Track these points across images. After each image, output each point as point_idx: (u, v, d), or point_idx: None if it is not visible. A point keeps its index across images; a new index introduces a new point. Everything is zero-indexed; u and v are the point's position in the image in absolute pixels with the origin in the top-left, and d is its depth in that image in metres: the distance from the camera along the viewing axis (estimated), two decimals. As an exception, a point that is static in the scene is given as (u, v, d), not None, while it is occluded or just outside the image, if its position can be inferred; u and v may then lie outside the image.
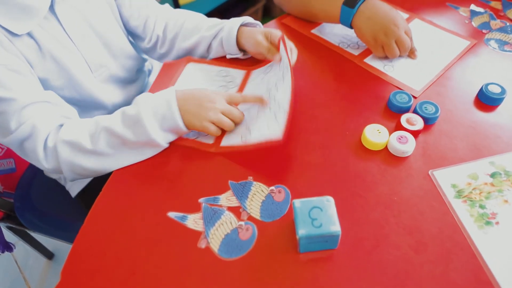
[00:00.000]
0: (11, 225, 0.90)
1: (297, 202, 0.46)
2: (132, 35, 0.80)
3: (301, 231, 0.43)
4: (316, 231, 0.43)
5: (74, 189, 0.80)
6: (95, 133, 0.57)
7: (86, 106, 0.72)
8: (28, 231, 1.00)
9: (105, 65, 0.72)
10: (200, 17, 0.77)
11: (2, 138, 0.59)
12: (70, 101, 0.66)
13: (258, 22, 0.74)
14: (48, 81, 0.64)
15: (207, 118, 0.57)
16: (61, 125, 0.59)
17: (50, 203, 0.87)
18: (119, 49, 0.74)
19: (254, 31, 0.69)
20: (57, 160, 0.58)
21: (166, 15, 0.77)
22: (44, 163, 0.59)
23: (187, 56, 0.76)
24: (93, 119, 0.59)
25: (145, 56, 0.85)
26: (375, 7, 0.68)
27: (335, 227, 0.43)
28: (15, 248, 0.94)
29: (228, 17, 0.73)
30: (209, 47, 0.74)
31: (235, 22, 0.71)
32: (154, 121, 0.56)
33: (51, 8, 0.61)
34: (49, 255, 1.24)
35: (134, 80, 0.82)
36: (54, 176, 0.82)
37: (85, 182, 0.78)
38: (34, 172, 0.92)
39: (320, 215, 0.44)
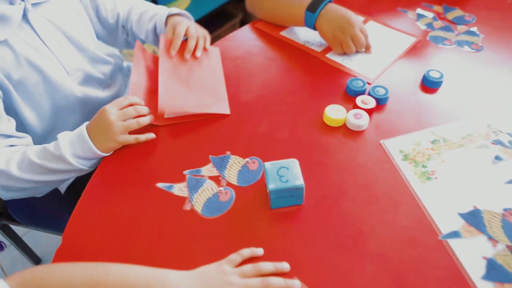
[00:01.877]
0: (4, 222, 0.94)
1: (268, 164, 0.53)
2: (110, 32, 0.89)
3: (271, 186, 0.51)
4: (284, 185, 0.51)
5: (62, 185, 0.85)
6: (23, 163, 0.60)
7: (68, 109, 0.75)
8: (19, 232, 1.04)
9: (81, 69, 0.75)
10: (144, 7, 0.88)
11: None
12: (52, 107, 0.71)
13: (185, 12, 0.85)
14: (27, 86, 0.67)
15: (116, 137, 0.62)
16: None
17: (41, 199, 0.92)
18: (92, 53, 0.78)
19: (173, 23, 0.80)
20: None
21: (127, 7, 0.89)
22: None
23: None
24: (23, 150, 0.62)
25: (121, 55, 0.94)
26: (333, 10, 0.78)
27: (299, 181, 0.51)
28: (5, 247, 0.97)
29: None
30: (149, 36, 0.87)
31: (163, 14, 0.82)
32: (70, 149, 0.60)
33: (24, 16, 0.64)
34: (36, 260, 1.27)
35: (111, 82, 0.86)
36: None
37: (71, 179, 0.83)
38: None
39: (287, 173, 0.52)
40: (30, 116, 0.69)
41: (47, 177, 0.61)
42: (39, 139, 0.73)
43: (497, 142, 0.62)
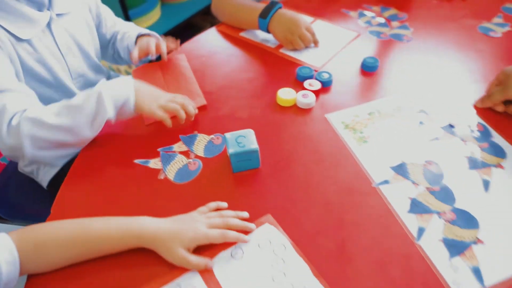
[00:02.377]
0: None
1: (228, 134, 0.63)
2: (104, 46, 0.98)
3: (231, 150, 0.61)
4: (241, 149, 0.61)
5: (45, 179, 0.91)
6: (57, 109, 0.66)
7: None
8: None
9: (83, 75, 0.86)
10: (127, 27, 0.98)
11: None
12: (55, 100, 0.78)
13: (154, 33, 0.94)
14: (35, 83, 0.76)
15: (157, 104, 0.69)
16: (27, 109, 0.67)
17: (26, 196, 0.98)
18: (94, 62, 0.89)
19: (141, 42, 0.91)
20: (19, 136, 0.64)
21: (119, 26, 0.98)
22: (6, 140, 0.66)
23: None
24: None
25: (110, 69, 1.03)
26: (282, 15, 0.90)
27: (254, 145, 0.61)
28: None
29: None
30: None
31: (133, 35, 0.92)
32: (109, 91, 0.66)
33: (48, 25, 0.76)
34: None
35: None
36: (27, 169, 0.92)
37: (53, 172, 0.89)
38: (9, 175, 1.03)
39: (244, 140, 0.62)
40: None
41: (77, 119, 0.65)
42: None
43: (421, 111, 0.74)
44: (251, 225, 0.55)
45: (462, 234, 0.56)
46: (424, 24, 0.99)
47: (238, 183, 0.63)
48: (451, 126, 0.71)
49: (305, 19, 0.91)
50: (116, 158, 0.68)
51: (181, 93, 0.77)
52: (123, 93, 0.67)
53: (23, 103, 0.67)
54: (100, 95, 0.65)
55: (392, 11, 1.04)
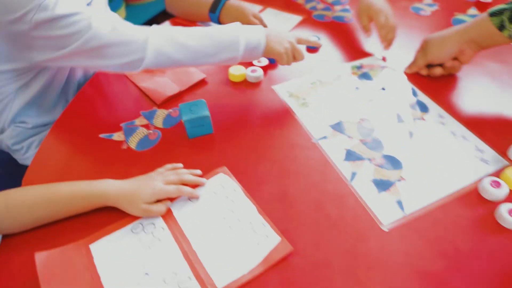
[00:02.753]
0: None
1: (182, 104, 0.70)
2: None
3: (185, 117, 0.68)
4: (194, 116, 0.68)
5: (29, 160, 0.94)
6: (191, 32, 0.71)
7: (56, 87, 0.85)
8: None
9: None
10: None
11: (63, 48, 0.66)
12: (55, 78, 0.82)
13: None
14: None
15: (285, 45, 0.75)
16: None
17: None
18: None
19: None
20: (144, 50, 0.67)
21: None
22: (126, 56, 0.68)
23: None
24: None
25: None
26: (230, 7, 0.95)
27: (206, 112, 0.68)
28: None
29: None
30: None
31: None
32: (245, 33, 0.72)
33: None
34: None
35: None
36: (16, 147, 0.88)
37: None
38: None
39: (196, 108, 0.69)
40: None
41: (206, 46, 0.70)
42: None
43: (360, 77, 0.83)
44: (203, 180, 0.63)
45: (389, 174, 0.64)
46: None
47: (194, 147, 0.70)
48: (383, 88, 0.81)
49: (252, 7, 0.99)
50: (84, 133, 0.74)
51: (178, 73, 0.85)
52: (256, 37, 0.72)
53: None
54: (237, 34, 0.71)
55: (334, -4, 1.15)
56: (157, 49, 0.69)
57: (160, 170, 0.64)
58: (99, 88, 0.85)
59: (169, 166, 0.65)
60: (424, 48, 0.82)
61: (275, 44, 0.74)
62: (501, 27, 0.70)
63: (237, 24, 0.73)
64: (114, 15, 0.72)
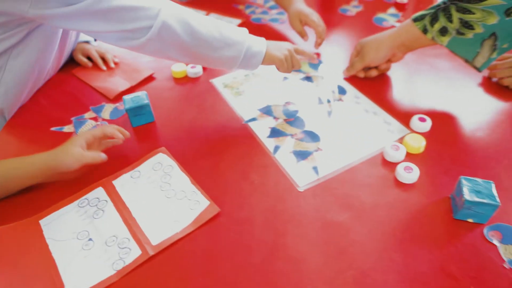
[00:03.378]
0: None
1: (125, 96, 0.78)
2: None
3: (127, 106, 0.75)
4: (135, 104, 0.76)
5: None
6: (206, 21, 0.70)
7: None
8: None
9: None
10: None
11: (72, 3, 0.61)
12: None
13: (91, 39, 1.00)
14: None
15: (284, 52, 0.78)
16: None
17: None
18: None
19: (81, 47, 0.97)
20: (154, 19, 0.65)
21: None
22: (133, 23, 0.64)
23: None
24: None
25: None
26: None
27: (146, 101, 0.76)
28: None
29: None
30: None
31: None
32: (250, 35, 0.74)
33: None
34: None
35: None
36: None
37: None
38: None
39: (138, 99, 0.77)
40: None
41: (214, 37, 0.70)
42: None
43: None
44: (125, 132, 0.70)
45: (307, 146, 0.74)
46: (298, 10, 1.21)
47: (137, 134, 0.78)
48: (308, 78, 0.91)
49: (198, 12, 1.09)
50: (36, 127, 0.80)
51: (126, 72, 0.91)
52: (258, 45, 0.75)
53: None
54: (244, 37, 0.72)
55: (271, 3, 1.25)
56: (166, 23, 0.66)
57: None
58: (53, 88, 0.91)
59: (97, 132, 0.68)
60: (360, 53, 0.88)
61: (275, 52, 0.77)
62: (425, 31, 0.77)
63: (245, 29, 0.75)
64: None
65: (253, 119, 0.80)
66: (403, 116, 0.80)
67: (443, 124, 0.78)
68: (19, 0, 0.63)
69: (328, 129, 0.77)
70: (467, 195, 0.58)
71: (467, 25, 0.73)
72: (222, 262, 0.56)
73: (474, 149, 0.73)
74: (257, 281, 0.54)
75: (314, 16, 0.98)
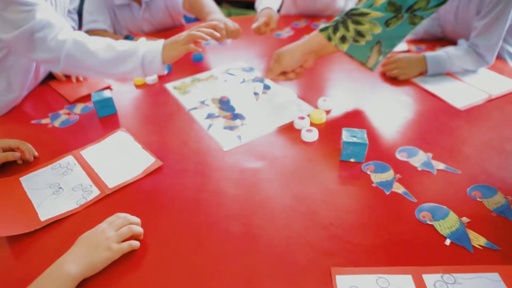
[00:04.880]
0: None
1: (93, 93, 0.98)
2: None
3: (94, 99, 0.95)
4: (100, 98, 0.95)
5: None
6: (101, 43, 0.85)
7: None
8: None
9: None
10: None
11: (11, 32, 0.80)
12: None
13: None
14: None
15: (181, 38, 0.87)
16: (72, 29, 0.84)
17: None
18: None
19: None
20: (60, 51, 0.81)
21: None
22: (47, 53, 0.82)
23: None
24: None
25: None
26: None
27: (109, 95, 0.96)
28: None
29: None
30: None
31: None
32: (144, 43, 0.88)
33: None
34: None
35: None
36: None
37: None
38: None
39: (103, 94, 0.97)
40: None
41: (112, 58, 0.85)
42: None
43: (227, 74, 1.16)
44: (35, 153, 0.84)
45: (235, 123, 0.94)
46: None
47: (103, 123, 0.97)
48: (243, 80, 1.13)
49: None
50: (19, 121, 0.99)
51: (90, 84, 1.11)
52: (153, 47, 0.86)
53: (67, 25, 0.85)
54: (136, 46, 0.85)
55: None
56: (69, 52, 0.82)
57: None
58: (33, 95, 1.10)
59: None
60: (277, 60, 0.98)
61: (173, 46, 0.87)
62: (329, 39, 0.90)
63: (141, 39, 0.92)
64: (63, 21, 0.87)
65: (194, 108, 1.00)
66: (312, 98, 1.02)
67: (344, 104, 1.00)
68: None
69: (253, 111, 0.98)
70: (345, 138, 0.79)
71: (360, 34, 0.88)
72: (162, 197, 0.74)
73: (364, 117, 0.95)
74: (188, 208, 0.71)
75: (227, 21, 1.16)
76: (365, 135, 0.80)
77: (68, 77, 1.16)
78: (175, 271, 0.59)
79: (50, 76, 1.18)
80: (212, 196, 0.73)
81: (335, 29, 0.91)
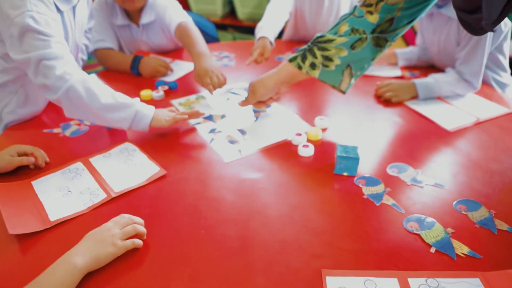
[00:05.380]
0: None
1: (102, 106, 1.04)
2: None
3: (103, 111, 1.00)
4: (110, 110, 1.01)
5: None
6: (103, 88, 0.91)
7: None
8: None
9: (80, 48, 1.21)
10: None
11: (23, 54, 0.86)
12: None
13: None
14: None
15: (168, 116, 0.96)
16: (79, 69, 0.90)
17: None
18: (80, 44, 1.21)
19: None
20: (64, 82, 0.86)
21: None
22: (49, 80, 0.86)
23: None
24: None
25: None
26: (144, 61, 1.35)
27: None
28: None
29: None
30: None
31: None
32: (140, 102, 0.95)
33: (74, 7, 1.04)
34: None
35: None
36: None
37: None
38: None
39: (112, 107, 1.03)
40: None
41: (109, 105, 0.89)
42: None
43: (230, 93, 1.22)
44: (46, 158, 0.89)
45: (235, 136, 0.99)
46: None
47: (111, 134, 1.01)
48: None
49: (161, 59, 1.40)
50: (32, 130, 1.04)
51: None
52: (146, 109, 0.94)
53: (77, 64, 0.92)
54: (133, 102, 0.93)
55: (226, 53, 1.59)
56: (73, 86, 0.87)
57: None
58: (47, 107, 1.16)
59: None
60: (252, 90, 1.02)
61: (161, 116, 0.96)
62: (299, 67, 0.94)
63: (137, 99, 0.96)
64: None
65: (198, 123, 1.05)
66: (309, 117, 1.08)
67: (340, 122, 1.06)
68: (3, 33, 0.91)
69: (253, 127, 1.04)
70: (339, 152, 0.83)
71: (328, 59, 0.91)
72: (165, 201, 0.78)
73: (358, 135, 1.00)
74: (189, 212, 0.75)
75: (213, 73, 1.15)
76: (357, 151, 0.84)
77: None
78: (175, 269, 0.63)
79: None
80: (212, 202, 0.77)
81: (303, 57, 0.94)
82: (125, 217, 0.69)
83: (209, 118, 1.09)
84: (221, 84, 1.16)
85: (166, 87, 1.25)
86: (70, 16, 1.05)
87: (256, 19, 1.54)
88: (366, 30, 0.89)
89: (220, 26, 3.03)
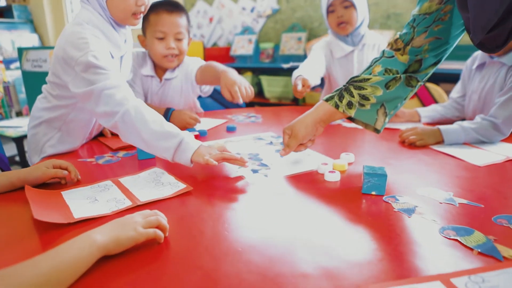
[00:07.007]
0: None
1: (136, 138, 1.09)
2: None
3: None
4: (143, 141, 1.05)
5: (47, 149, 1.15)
6: (157, 116, 0.93)
7: None
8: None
9: None
10: None
11: (85, 88, 0.94)
12: None
13: None
14: None
15: (208, 155, 0.90)
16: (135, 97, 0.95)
17: None
18: None
19: None
20: (121, 107, 0.91)
21: None
22: (109, 106, 0.92)
23: None
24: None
25: None
26: (175, 113, 1.45)
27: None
28: None
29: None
30: None
31: None
32: (187, 133, 0.94)
33: (121, 57, 1.15)
34: None
35: None
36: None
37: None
38: None
39: (145, 139, 1.07)
40: None
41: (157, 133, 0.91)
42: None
43: (258, 139, 1.25)
44: (78, 176, 0.91)
45: (259, 168, 0.99)
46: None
47: (141, 164, 1.04)
48: (271, 142, 1.22)
49: (192, 113, 1.48)
50: (67, 159, 1.08)
51: None
52: (192, 142, 0.92)
53: (132, 92, 0.98)
54: (179, 132, 0.92)
55: (253, 113, 1.67)
56: (128, 111, 0.91)
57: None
58: (86, 144, 1.22)
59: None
60: (291, 134, 0.99)
61: (204, 151, 0.91)
62: (337, 106, 0.96)
63: (186, 132, 0.95)
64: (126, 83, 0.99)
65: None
66: (333, 154, 1.08)
67: (366, 159, 1.05)
68: (65, 74, 1.00)
69: (277, 161, 1.04)
70: (366, 170, 0.82)
71: (365, 98, 0.94)
72: (188, 211, 0.76)
73: (387, 168, 0.98)
74: (211, 222, 0.72)
75: (241, 84, 1.17)
76: (384, 170, 0.83)
77: (114, 134, 1.30)
78: (187, 270, 0.60)
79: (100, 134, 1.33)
80: (237, 213, 0.75)
81: (340, 96, 0.96)
82: (149, 211, 0.68)
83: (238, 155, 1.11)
84: (248, 96, 1.16)
85: (197, 133, 1.31)
86: (117, 64, 1.17)
87: (282, 98, 1.63)
88: (399, 70, 0.93)
89: (248, 104, 3.25)
